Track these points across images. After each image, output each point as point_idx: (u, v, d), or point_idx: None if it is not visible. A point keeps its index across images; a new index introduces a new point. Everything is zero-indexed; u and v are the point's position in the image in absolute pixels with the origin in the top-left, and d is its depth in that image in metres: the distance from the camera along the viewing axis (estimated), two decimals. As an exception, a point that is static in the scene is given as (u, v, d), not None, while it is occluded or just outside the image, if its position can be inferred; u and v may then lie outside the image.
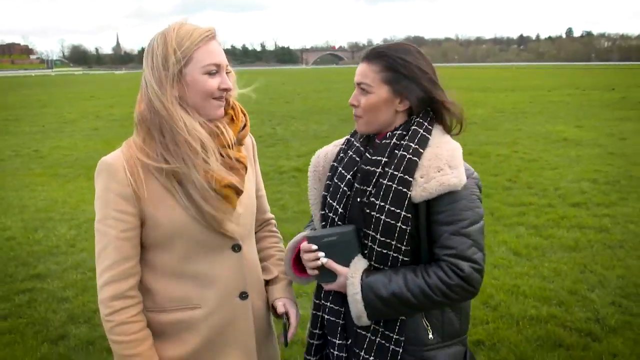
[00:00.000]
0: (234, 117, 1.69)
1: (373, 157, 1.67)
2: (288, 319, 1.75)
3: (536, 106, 19.31)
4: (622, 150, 10.22)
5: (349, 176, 1.71)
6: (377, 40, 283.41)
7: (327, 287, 1.70)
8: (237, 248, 1.68)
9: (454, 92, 1.71)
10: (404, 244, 1.60)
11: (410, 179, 1.59)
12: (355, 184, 1.68)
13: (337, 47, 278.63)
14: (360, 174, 1.68)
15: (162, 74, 1.56)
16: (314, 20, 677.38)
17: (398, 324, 1.65)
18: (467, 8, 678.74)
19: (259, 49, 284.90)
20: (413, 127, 1.66)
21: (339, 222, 1.69)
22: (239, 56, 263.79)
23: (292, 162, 9.76)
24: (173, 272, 1.65)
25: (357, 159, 1.72)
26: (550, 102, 20.68)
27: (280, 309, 1.76)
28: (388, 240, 1.60)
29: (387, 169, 1.63)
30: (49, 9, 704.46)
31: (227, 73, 1.64)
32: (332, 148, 1.88)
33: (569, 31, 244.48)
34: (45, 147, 12.49)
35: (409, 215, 1.59)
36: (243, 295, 1.70)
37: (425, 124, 1.67)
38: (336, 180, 1.73)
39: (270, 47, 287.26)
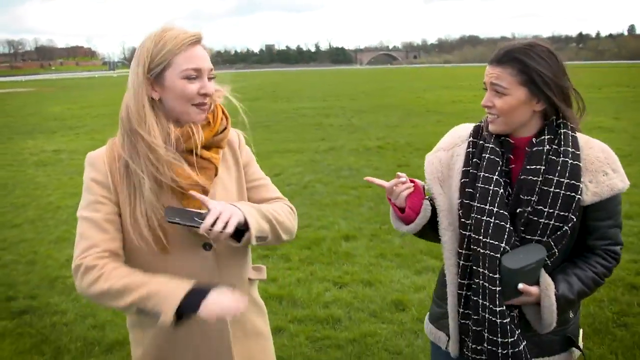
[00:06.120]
0: (211, 121, 1.69)
1: (531, 167, 1.68)
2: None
3: (583, 102, 21.09)
4: (647, 136, 12.33)
5: (498, 178, 1.72)
6: (432, 40, 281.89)
7: (509, 302, 1.70)
8: (207, 247, 1.67)
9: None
10: (564, 243, 1.69)
11: (578, 183, 1.65)
12: (520, 195, 1.70)
13: (391, 47, 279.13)
14: (522, 185, 1.69)
15: (140, 77, 1.59)
16: (367, 20, 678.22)
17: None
18: (523, 5, 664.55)
19: (313, 49, 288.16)
20: (563, 131, 1.70)
21: (500, 223, 1.68)
22: (293, 56, 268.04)
23: (373, 142, 12.36)
24: (146, 265, 1.61)
25: (497, 159, 1.73)
26: (597, 99, 22.16)
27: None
28: (554, 243, 1.68)
29: (549, 176, 1.66)
30: (110, 13, 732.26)
31: (210, 78, 1.65)
32: (443, 153, 1.90)
33: (631, 28, 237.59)
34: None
35: (575, 217, 1.65)
36: None
37: (569, 124, 1.72)
38: (483, 185, 1.73)
39: (324, 47, 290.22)
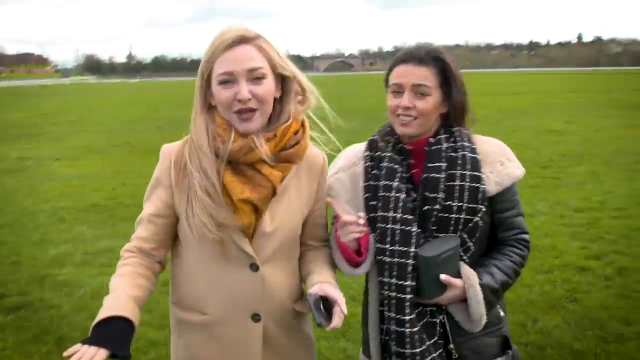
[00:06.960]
0: (279, 134, 1.58)
1: (432, 165, 1.68)
2: (322, 299, 1.52)
3: (536, 107, 21.76)
4: (595, 137, 13.12)
5: (399, 184, 1.70)
6: (388, 47, 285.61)
7: (433, 300, 1.67)
8: (254, 267, 1.60)
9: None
10: (477, 235, 1.70)
11: (480, 174, 1.68)
12: (425, 193, 1.68)
13: (347, 54, 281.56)
14: (426, 183, 1.68)
15: (198, 82, 1.57)
16: (324, 28, 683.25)
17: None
18: (477, 14, 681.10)
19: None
20: (456, 129, 1.74)
21: (406, 228, 1.65)
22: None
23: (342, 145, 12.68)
24: (193, 272, 1.64)
25: (396, 166, 1.72)
26: (550, 104, 23.10)
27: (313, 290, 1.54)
28: (468, 236, 1.70)
29: (452, 171, 1.67)
30: (63, 19, 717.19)
31: (258, 79, 1.53)
32: (343, 174, 1.85)
33: (580, 36, 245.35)
34: (134, 139, 15.18)
35: (484, 207, 1.68)
36: (256, 318, 1.62)
37: (462, 124, 1.77)
38: (384, 193, 1.70)
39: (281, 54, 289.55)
